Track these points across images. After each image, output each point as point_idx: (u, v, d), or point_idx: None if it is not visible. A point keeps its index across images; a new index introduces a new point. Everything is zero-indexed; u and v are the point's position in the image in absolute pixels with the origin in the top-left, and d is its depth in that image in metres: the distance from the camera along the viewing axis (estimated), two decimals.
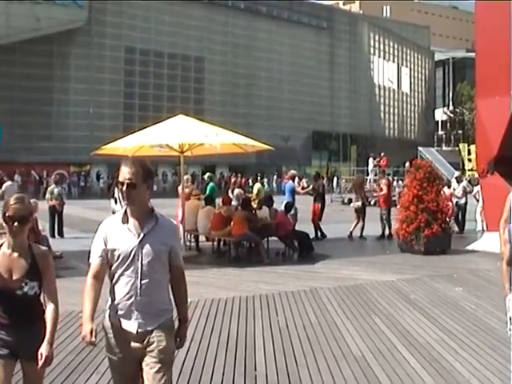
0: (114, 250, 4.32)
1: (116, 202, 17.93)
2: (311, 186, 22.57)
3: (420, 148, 64.13)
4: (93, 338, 4.18)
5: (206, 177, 24.04)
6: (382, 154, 44.66)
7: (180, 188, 19.27)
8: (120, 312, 4.37)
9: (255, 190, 21.75)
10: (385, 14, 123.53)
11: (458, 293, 11.68)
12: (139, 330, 4.32)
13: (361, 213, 21.17)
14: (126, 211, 4.40)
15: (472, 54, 33.13)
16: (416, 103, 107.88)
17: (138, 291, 4.31)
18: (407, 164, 41.98)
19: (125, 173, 4.27)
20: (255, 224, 16.31)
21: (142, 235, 4.33)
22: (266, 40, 76.60)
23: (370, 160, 45.45)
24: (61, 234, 21.12)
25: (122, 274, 4.35)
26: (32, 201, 15.70)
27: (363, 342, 8.29)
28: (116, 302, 4.38)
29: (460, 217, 22.75)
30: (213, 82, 72.30)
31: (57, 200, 21.10)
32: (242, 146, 17.69)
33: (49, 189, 22.07)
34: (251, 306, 10.57)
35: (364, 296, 11.34)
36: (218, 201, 19.71)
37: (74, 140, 59.71)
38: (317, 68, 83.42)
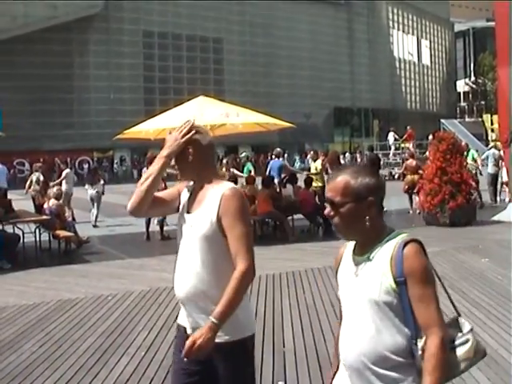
0: None
1: None
2: None
3: (443, 120, 63.76)
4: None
5: (242, 157, 24.04)
6: (408, 128, 44.21)
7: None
8: None
9: (319, 166, 20.97)
10: None
11: (484, 264, 11.67)
12: None
13: None
14: None
15: (492, 24, 32.83)
16: (437, 75, 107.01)
17: None
18: (430, 137, 41.64)
19: None
20: (279, 202, 16.37)
21: None
22: (284, 18, 76.07)
23: (391, 134, 45.03)
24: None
25: None
26: (56, 188, 15.88)
27: None
28: None
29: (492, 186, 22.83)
30: (232, 63, 72.07)
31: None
32: (264, 125, 17.71)
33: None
34: (278, 283, 10.64)
35: None
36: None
37: (96, 126, 59.90)
38: (336, 44, 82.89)
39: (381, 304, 2.83)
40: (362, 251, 2.96)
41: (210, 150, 3.84)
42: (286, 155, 58.81)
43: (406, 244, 2.84)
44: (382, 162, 45.07)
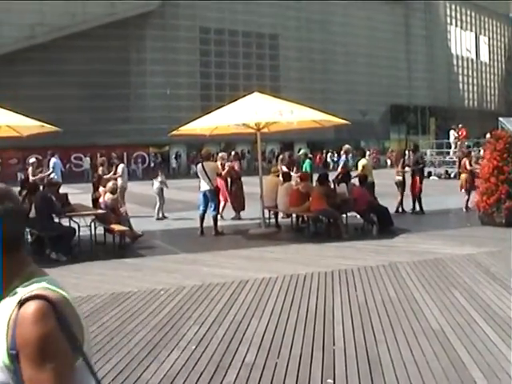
0: None
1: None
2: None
3: (500, 118, 62.45)
4: None
5: (301, 154, 24.21)
6: (460, 126, 43.83)
7: (225, 165, 19.88)
8: None
9: (360, 166, 20.86)
10: None
11: None
12: None
13: (400, 186, 20.75)
14: None
15: None
16: (496, 72, 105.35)
17: None
18: (488, 135, 40.87)
19: None
20: (334, 199, 16.32)
21: None
22: (341, 14, 75.68)
23: (451, 132, 44.78)
24: None
25: None
26: (112, 182, 16.13)
27: (442, 316, 8.24)
28: None
29: None
30: (288, 59, 71.96)
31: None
32: (319, 121, 17.68)
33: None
34: (330, 281, 10.61)
35: (443, 270, 11.25)
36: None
37: (153, 121, 60.32)
38: (393, 40, 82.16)
39: None
40: None
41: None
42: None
43: (24, 302, 1.88)
44: (435, 161, 44.97)
